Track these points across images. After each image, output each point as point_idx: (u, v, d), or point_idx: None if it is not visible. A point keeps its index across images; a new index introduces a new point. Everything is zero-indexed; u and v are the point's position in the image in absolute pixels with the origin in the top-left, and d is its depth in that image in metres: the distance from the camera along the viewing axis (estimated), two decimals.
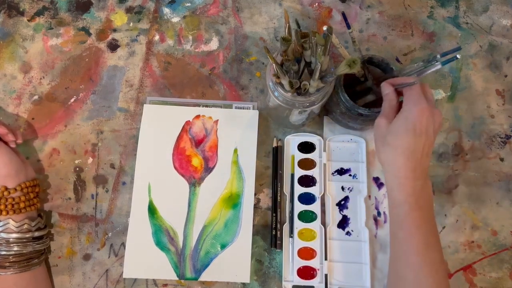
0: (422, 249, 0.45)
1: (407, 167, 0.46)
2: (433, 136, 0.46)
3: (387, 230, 0.57)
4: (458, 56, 0.46)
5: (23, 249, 0.50)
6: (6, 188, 0.50)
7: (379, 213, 0.57)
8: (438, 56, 0.48)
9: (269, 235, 0.56)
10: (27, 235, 0.50)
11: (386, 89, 0.49)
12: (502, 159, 0.60)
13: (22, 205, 0.50)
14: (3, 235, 0.49)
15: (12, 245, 0.49)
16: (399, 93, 0.49)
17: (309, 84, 0.47)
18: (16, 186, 0.51)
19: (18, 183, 0.51)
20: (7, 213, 0.50)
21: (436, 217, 0.57)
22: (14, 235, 0.49)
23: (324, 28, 0.44)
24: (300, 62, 0.49)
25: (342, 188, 0.58)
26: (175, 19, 0.64)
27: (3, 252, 0.49)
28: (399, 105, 0.48)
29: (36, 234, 0.51)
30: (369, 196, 0.58)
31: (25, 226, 0.50)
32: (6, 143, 0.53)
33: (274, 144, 0.59)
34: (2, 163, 0.50)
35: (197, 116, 0.60)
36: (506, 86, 0.63)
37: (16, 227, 0.50)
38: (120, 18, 0.64)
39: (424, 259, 0.44)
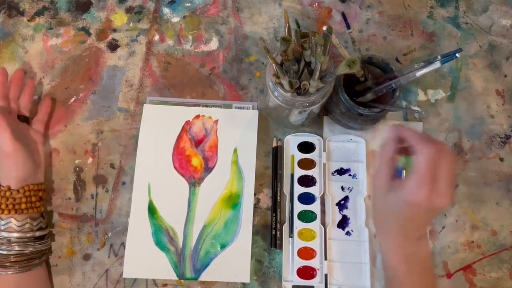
0: None
1: (397, 241, 0.46)
2: (427, 225, 0.47)
3: None
4: (457, 55, 0.46)
5: (24, 249, 0.50)
6: (9, 189, 0.50)
7: None
8: (439, 57, 0.48)
9: (269, 235, 0.56)
10: (29, 235, 0.50)
11: (393, 132, 0.46)
12: (502, 159, 0.60)
13: (23, 206, 0.50)
14: (5, 234, 0.49)
15: (13, 244, 0.49)
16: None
17: (309, 84, 0.47)
18: (19, 188, 0.51)
19: (22, 186, 0.51)
20: (9, 212, 0.50)
21: (436, 217, 0.57)
22: (16, 235, 0.49)
23: (324, 28, 0.44)
24: (300, 62, 0.49)
25: (342, 188, 0.58)
26: (175, 19, 0.64)
27: (4, 252, 0.49)
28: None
29: (38, 234, 0.51)
30: (369, 196, 0.58)
31: (27, 225, 0.50)
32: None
33: (274, 144, 0.59)
34: (15, 165, 0.50)
35: (197, 116, 0.60)
36: (506, 86, 0.63)
37: (18, 227, 0.50)
38: (120, 18, 0.64)
39: None
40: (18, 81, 0.56)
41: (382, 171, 0.46)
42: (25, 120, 0.56)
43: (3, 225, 0.50)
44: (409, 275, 0.45)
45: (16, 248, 0.49)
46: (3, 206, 0.49)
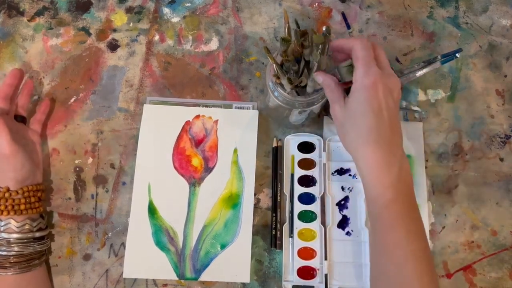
0: (404, 241, 0.41)
1: (377, 156, 0.40)
2: (394, 109, 0.41)
3: None
4: (457, 55, 0.46)
5: (24, 249, 0.50)
6: (8, 190, 0.50)
7: None
8: (439, 57, 0.48)
9: (269, 235, 0.56)
10: (28, 235, 0.50)
11: (319, 78, 0.45)
12: (501, 159, 0.60)
13: (22, 207, 0.50)
14: (4, 235, 0.49)
15: (13, 245, 0.49)
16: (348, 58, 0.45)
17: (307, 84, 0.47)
18: (18, 189, 0.51)
19: (21, 187, 0.51)
20: (8, 213, 0.50)
21: (436, 217, 0.57)
22: (15, 235, 0.49)
23: (324, 28, 0.44)
24: (300, 62, 0.49)
25: (342, 188, 0.58)
26: (175, 19, 0.64)
27: (4, 253, 0.49)
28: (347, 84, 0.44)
29: (37, 234, 0.51)
30: None
31: (26, 226, 0.50)
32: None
33: (274, 144, 0.59)
34: (13, 167, 0.50)
35: (197, 116, 0.60)
36: (506, 86, 0.63)
37: (17, 227, 0.50)
38: (120, 18, 0.64)
39: (407, 252, 0.41)
40: (15, 80, 0.54)
41: (334, 97, 0.44)
42: (22, 120, 0.56)
43: (2, 226, 0.50)
44: (395, 199, 0.41)
45: (16, 249, 0.49)
46: (2, 207, 0.49)
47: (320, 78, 0.45)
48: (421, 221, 0.43)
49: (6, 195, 0.50)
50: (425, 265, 0.42)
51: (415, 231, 0.42)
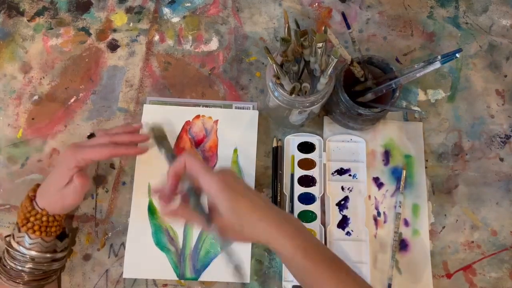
0: (334, 281, 0.41)
1: (271, 228, 0.42)
2: (243, 184, 0.43)
3: (387, 230, 0.57)
4: (457, 55, 0.46)
5: (42, 267, 0.49)
6: (47, 214, 0.49)
7: (379, 213, 0.57)
8: (439, 57, 0.48)
9: None
10: (48, 255, 0.49)
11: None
12: (501, 159, 0.60)
13: (53, 229, 0.50)
14: (32, 252, 0.48)
15: (32, 263, 0.48)
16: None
17: (310, 85, 0.47)
18: (56, 215, 0.50)
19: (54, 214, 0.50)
20: (41, 234, 0.49)
21: (436, 217, 0.58)
22: (39, 254, 0.49)
23: (322, 28, 0.44)
24: (300, 62, 0.49)
25: (342, 188, 0.58)
26: (175, 19, 0.64)
27: (19, 267, 0.48)
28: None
29: (59, 255, 0.51)
30: (369, 196, 0.58)
31: (51, 245, 0.50)
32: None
33: (274, 144, 0.59)
34: (71, 203, 0.50)
35: (197, 116, 0.60)
36: (506, 86, 0.63)
37: (45, 247, 0.49)
38: (120, 18, 0.64)
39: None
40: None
41: (201, 222, 0.44)
42: None
43: (29, 243, 0.48)
44: (308, 258, 0.41)
45: (34, 266, 0.48)
46: (35, 228, 0.48)
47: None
48: (340, 260, 0.43)
49: (44, 218, 0.49)
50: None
51: (336, 267, 0.42)
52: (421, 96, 0.62)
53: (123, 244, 0.56)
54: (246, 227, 0.42)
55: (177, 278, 0.55)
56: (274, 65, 0.45)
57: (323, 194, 0.57)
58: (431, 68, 0.47)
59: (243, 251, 0.55)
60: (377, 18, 0.65)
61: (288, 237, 0.42)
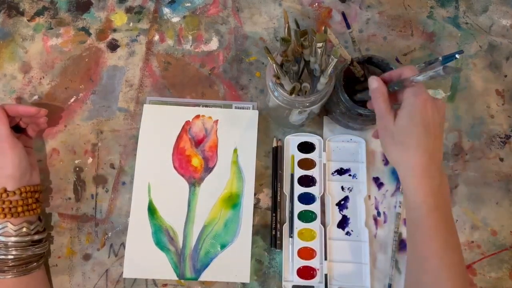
0: (441, 252, 0.42)
1: (422, 166, 0.42)
2: (439, 128, 0.43)
3: (387, 230, 0.57)
4: (457, 55, 0.46)
5: (22, 253, 0.49)
6: (5, 190, 0.49)
7: (379, 213, 0.57)
8: (440, 58, 0.48)
9: (269, 235, 0.56)
10: (26, 239, 0.50)
11: (374, 83, 0.45)
12: (501, 159, 0.60)
13: (20, 209, 0.50)
14: (2, 238, 0.49)
15: (10, 249, 0.48)
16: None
17: (310, 85, 0.47)
18: (16, 190, 0.50)
19: (19, 187, 0.50)
20: (5, 216, 0.49)
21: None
22: (13, 239, 0.49)
23: (322, 28, 0.44)
24: (300, 62, 0.49)
25: (342, 188, 0.58)
26: (175, 19, 0.64)
27: (2, 256, 0.48)
28: (392, 98, 0.46)
29: (36, 237, 0.51)
30: (369, 196, 0.58)
31: (24, 229, 0.50)
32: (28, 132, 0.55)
33: (274, 144, 0.59)
34: (11, 163, 0.50)
35: (197, 116, 0.60)
36: (506, 86, 0.63)
37: (15, 231, 0.49)
38: (120, 18, 0.64)
39: (443, 262, 0.42)
40: (28, 116, 0.54)
41: (385, 106, 0.45)
42: (20, 131, 0.56)
43: None
44: (435, 209, 0.42)
45: (14, 252, 0.48)
46: None
47: (374, 83, 0.45)
48: (457, 235, 0.44)
49: (3, 196, 0.49)
50: (461, 280, 0.43)
51: (452, 243, 0.43)
52: None
53: (123, 244, 0.56)
54: (401, 148, 0.43)
55: (177, 278, 0.55)
56: (274, 65, 0.45)
57: (323, 194, 0.57)
58: (433, 73, 0.46)
59: (243, 251, 0.55)
60: (377, 18, 0.65)
61: (424, 190, 0.43)
